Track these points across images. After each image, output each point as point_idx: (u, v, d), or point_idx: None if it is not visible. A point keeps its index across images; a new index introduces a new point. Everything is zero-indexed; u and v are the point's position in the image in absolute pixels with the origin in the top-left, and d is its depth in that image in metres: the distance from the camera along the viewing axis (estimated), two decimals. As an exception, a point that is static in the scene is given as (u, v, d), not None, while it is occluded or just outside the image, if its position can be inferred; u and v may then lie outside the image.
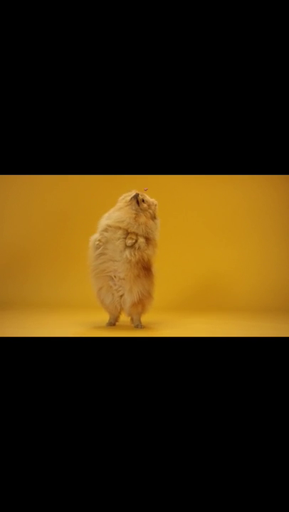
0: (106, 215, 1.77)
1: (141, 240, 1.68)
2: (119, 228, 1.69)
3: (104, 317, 1.88)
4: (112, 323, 1.83)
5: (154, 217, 1.77)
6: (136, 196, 1.73)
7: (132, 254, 1.65)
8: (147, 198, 1.77)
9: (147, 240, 1.71)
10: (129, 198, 1.74)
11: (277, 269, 2.92)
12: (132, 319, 1.81)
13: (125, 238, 1.67)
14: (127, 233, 1.68)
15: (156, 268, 1.79)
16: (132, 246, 1.66)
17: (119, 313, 1.81)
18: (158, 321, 2.02)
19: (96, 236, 1.73)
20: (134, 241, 1.67)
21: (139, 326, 1.77)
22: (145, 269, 1.71)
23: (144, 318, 1.83)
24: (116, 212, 1.74)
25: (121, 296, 1.71)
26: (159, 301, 1.86)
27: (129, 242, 1.67)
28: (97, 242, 1.70)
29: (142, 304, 1.73)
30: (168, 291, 2.72)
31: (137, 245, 1.67)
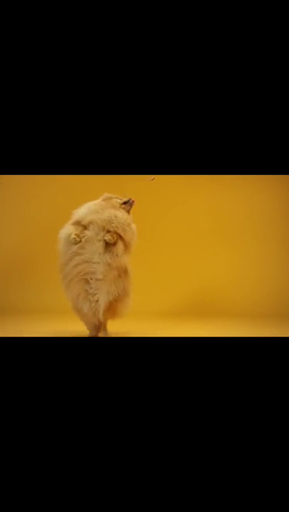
0: (86, 206, 1.62)
1: (121, 246, 1.56)
2: (104, 228, 1.56)
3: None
4: (95, 334, 1.64)
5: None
6: (132, 203, 1.67)
7: (112, 259, 1.54)
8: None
9: (126, 245, 1.60)
10: (123, 201, 1.67)
11: (276, 275, 2.93)
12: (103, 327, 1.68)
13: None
14: (107, 232, 1.56)
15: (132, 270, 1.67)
16: (111, 250, 1.55)
17: (99, 320, 1.61)
18: (156, 325, 2.03)
19: (70, 229, 1.57)
20: (114, 240, 1.54)
21: (105, 332, 1.67)
22: (124, 271, 1.61)
23: (143, 322, 1.81)
24: (109, 210, 1.60)
25: (97, 300, 1.55)
26: (157, 306, 1.84)
27: (108, 237, 1.53)
28: (74, 236, 1.53)
29: (114, 307, 1.60)
30: (167, 297, 2.72)
31: (115, 251, 1.55)
